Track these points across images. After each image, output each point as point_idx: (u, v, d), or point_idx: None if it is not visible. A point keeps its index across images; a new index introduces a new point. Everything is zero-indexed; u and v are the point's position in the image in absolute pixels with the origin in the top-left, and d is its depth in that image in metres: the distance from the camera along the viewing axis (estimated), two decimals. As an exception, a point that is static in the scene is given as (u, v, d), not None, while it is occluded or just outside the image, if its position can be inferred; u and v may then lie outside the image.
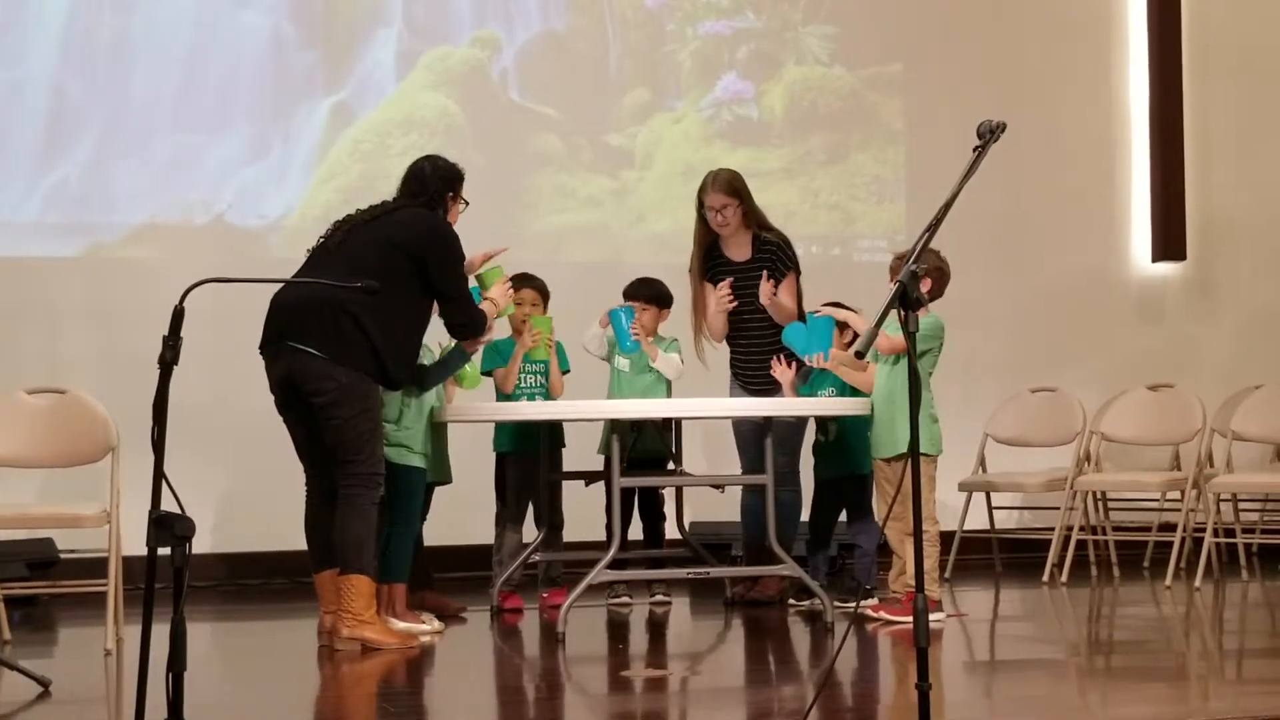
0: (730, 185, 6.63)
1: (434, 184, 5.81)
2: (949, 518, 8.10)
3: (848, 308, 6.45)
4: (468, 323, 5.76)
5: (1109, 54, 9.35)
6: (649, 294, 6.75)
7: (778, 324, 6.65)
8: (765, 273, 6.58)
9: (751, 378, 6.76)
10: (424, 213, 5.74)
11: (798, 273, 6.72)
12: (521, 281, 6.70)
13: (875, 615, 6.14)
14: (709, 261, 6.77)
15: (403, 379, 5.67)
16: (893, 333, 6.07)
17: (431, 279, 5.61)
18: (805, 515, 6.82)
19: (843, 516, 6.79)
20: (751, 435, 6.58)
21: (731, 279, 6.62)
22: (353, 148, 8.22)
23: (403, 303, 5.55)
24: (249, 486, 7.69)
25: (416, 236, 5.63)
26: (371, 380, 5.51)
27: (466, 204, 5.90)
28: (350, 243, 5.61)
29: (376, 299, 5.19)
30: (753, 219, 6.68)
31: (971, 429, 8.05)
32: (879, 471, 6.26)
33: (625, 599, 6.76)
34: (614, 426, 5.98)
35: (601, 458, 6.71)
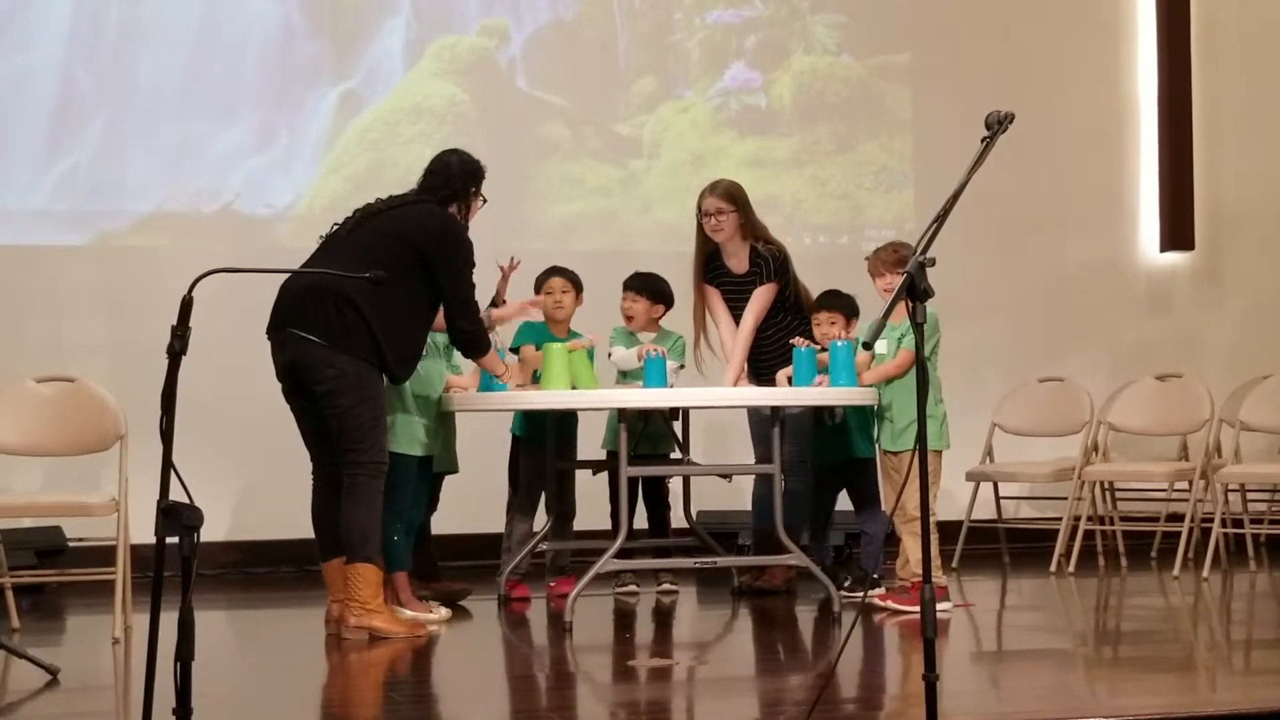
0: (728, 193, 6.63)
1: (459, 178, 5.82)
2: (955, 508, 8.11)
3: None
4: (471, 329, 5.74)
5: (1117, 43, 9.32)
6: (638, 285, 6.75)
7: (783, 320, 6.68)
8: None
9: (764, 369, 6.74)
10: (439, 211, 5.74)
11: (783, 285, 6.68)
12: (552, 271, 6.70)
13: (883, 604, 6.15)
14: (710, 269, 6.77)
15: (402, 372, 5.65)
16: (899, 342, 6.12)
17: (437, 278, 5.60)
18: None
19: (848, 504, 6.79)
20: (765, 425, 6.60)
21: None
22: (361, 136, 8.22)
23: (406, 296, 5.54)
24: (257, 475, 7.69)
25: (427, 233, 5.63)
26: (373, 369, 5.51)
27: (485, 200, 5.90)
28: (361, 232, 5.61)
29: (381, 290, 5.19)
30: (750, 231, 6.67)
31: (979, 419, 8.04)
32: (886, 462, 6.27)
33: (633, 588, 6.77)
34: (621, 417, 5.98)
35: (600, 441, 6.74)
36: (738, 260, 6.71)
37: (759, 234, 6.69)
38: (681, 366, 6.62)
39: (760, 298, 6.65)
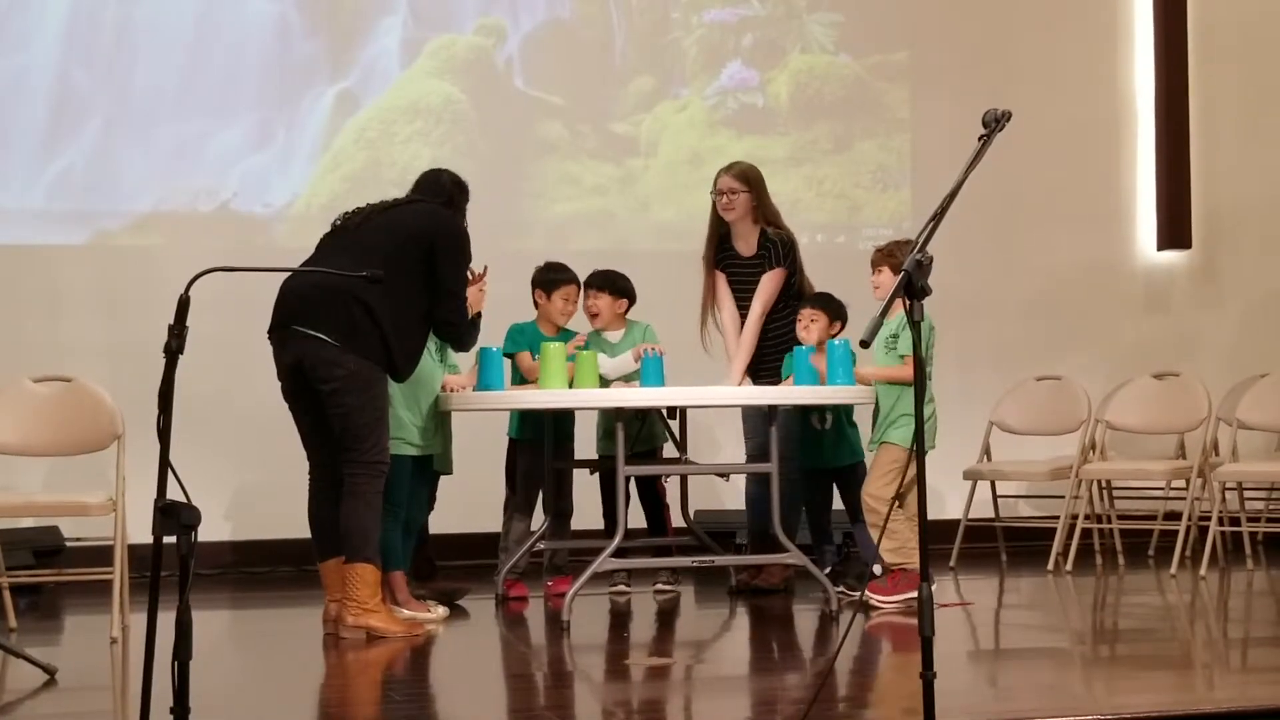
0: (743, 174, 6.69)
1: (449, 189, 5.87)
2: (942, 506, 8.12)
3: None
4: (459, 323, 5.74)
5: (1115, 41, 9.33)
6: (600, 282, 6.73)
7: (783, 316, 6.68)
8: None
9: (760, 367, 6.75)
10: (439, 208, 5.78)
11: (790, 271, 6.70)
12: (561, 277, 6.66)
13: (872, 604, 6.14)
14: (720, 252, 6.79)
15: (407, 371, 5.67)
16: (889, 351, 6.15)
17: (437, 269, 5.61)
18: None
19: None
20: (759, 423, 6.62)
21: None
22: (358, 135, 8.21)
23: (413, 295, 5.56)
24: (254, 475, 7.69)
25: (430, 227, 5.65)
26: (379, 369, 5.52)
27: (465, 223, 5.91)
28: (364, 231, 5.62)
29: (387, 289, 5.21)
30: (762, 214, 6.70)
31: (976, 418, 8.04)
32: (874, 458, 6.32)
33: (622, 587, 6.76)
34: (617, 416, 5.98)
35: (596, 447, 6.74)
36: (746, 243, 6.74)
37: (771, 219, 6.72)
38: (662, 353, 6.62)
39: (768, 285, 6.66)
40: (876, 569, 6.26)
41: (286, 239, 7.86)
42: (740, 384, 6.64)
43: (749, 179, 6.68)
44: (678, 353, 6.63)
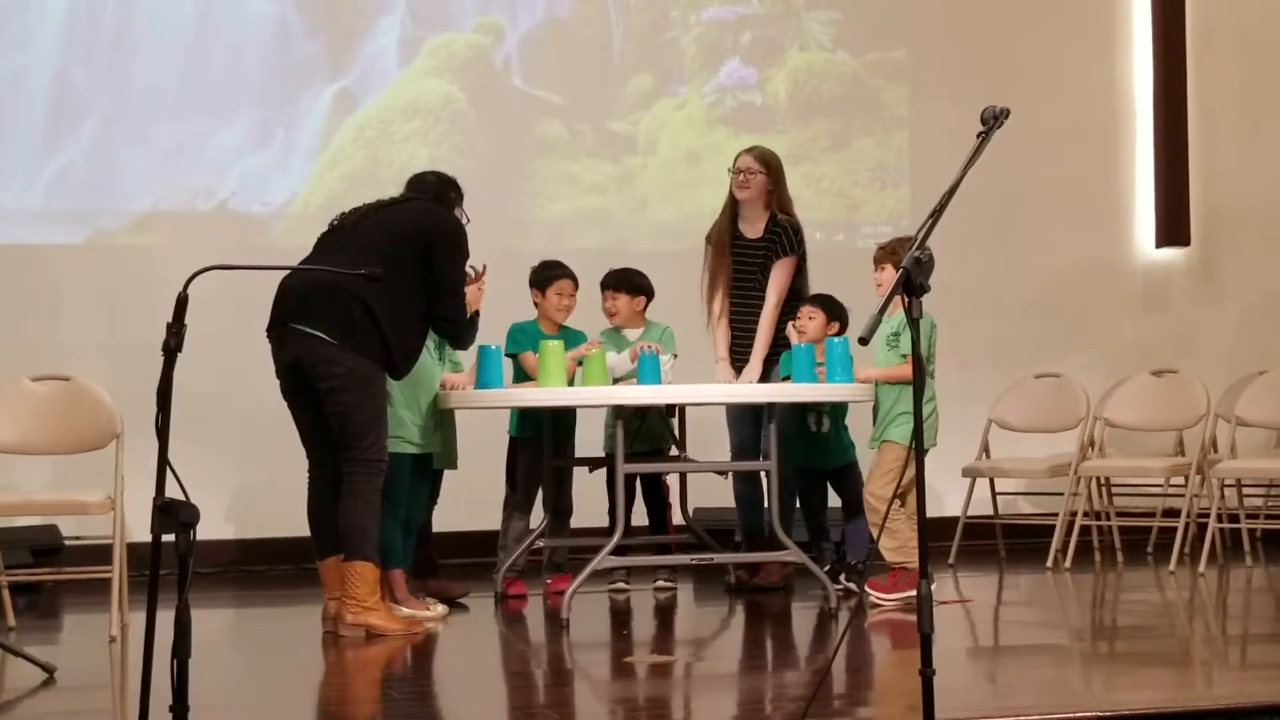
0: (763, 156, 6.75)
1: (436, 186, 5.88)
2: (941, 503, 8.12)
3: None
4: (458, 320, 5.75)
5: (1113, 38, 9.33)
6: (616, 282, 6.75)
7: (782, 311, 6.68)
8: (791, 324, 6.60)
9: (745, 360, 6.74)
10: (435, 205, 5.79)
11: (800, 259, 6.73)
12: (555, 273, 6.66)
13: (875, 602, 6.15)
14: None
15: (405, 369, 5.67)
16: (891, 349, 6.19)
17: (435, 267, 5.61)
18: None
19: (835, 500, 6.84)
20: (744, 419, 6.63)
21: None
22: (356, 134, 8.21)
23: (410, 292, 5.56)
24: (254, 473, 7.69)
25: (426, 224, 5.66)
26: (377, 367, 5.52)
27: (468, 220, 5.90)
28: (361, 230, 5.63)
29: (386, 287, 5.20)
30: (775, 200, 6.73)
31: (975, 415, 8.05)
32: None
33: (622, 585, 6.76)
34: (618, 413, 5.98)
35: (601, 445, 6.74)
36: (753, 226, 6.76)
37: (783, 206, 6.75)
38: (675, 356, 6.61)
39: (781, 274, 6.68)
40: (851, 560, 6.31)
41: (285, 238, 7.86)
42: (758, 379, 6.64)
43: (769, 163, 6.73)
44: (679, 351, 6.65)
